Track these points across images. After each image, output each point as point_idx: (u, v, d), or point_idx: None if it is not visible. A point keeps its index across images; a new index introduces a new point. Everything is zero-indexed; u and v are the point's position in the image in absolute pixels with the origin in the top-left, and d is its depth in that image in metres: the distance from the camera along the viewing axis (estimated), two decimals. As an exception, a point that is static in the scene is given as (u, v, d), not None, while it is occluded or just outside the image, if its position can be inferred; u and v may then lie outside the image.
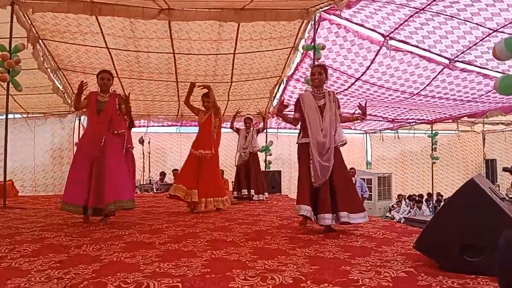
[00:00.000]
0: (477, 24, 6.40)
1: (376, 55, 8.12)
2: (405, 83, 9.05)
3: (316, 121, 3.99)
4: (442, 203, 12.55)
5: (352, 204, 3.83)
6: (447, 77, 8.42)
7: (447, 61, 7.92)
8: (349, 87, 9.55)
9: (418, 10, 6.49)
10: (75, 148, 10.99)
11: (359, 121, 4.58)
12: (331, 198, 3.81)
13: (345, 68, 8.84)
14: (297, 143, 4.24)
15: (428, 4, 6.26)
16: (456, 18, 6.45)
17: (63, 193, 4.59)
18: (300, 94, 4.38)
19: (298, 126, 4.33)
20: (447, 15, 6.44)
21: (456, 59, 7.70)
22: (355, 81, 9.20)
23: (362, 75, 8.90)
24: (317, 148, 3.92)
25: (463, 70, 8.06)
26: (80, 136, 10.40)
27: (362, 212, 3.86)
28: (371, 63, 8.39)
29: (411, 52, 7.92)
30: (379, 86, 9.32)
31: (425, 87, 9.00)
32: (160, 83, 9.97)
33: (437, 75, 8.38)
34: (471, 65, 7.82)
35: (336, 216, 3.79)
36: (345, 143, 4.19)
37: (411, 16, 6.74)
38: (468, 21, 6.45)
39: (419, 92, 9.32)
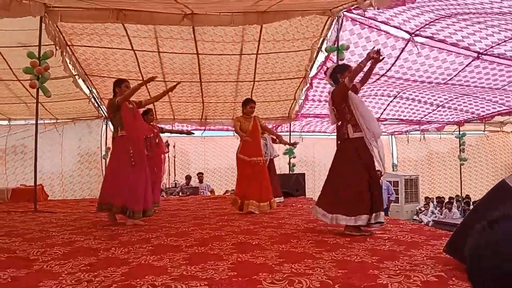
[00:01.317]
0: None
1: (401, 53, 7.99)
2: (431, 75, 8.89)
3: (370, 111, 3.98)
4: (471, 206, 12.26)
5: None
6: (475, 68, 8.28)
7: (475, 55, 7.75)
8: (374, 81, 9.35)
9: (445, 16, 6.39)
10: (103, 152, 11.26)
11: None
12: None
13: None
14: (349, 138, 3.92)
15: (456, 14, 6.15)
16: (483, 23, 6.32)
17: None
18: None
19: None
20: (474, 21, 6.32)
21: (485, 52, 7.52)
22: (380, 77, 9.03)
23: (387, 71, 8.75)
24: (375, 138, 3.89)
25: (492, 62, 7.88)
26: (108, 140, 10.66)
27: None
28: (396, 60, 8.25)
29: (438, 48, 7.76)
30: (405, 79, 9.16)
31: (453, 77, 8.80)
32: (184, 84, 10.10)
33: (465, 67, 8.22)
34: (501, 58, 7.62)
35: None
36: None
37: (437, 19, 6.63)
38: (495, 26, 6.31)
39: (446, 81, 9.09)
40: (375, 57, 3.78)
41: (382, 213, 3.81)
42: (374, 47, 4.17)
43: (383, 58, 3.93)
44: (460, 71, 8.43)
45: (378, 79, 9.21)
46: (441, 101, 10.77)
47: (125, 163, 4.65)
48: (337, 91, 4.02)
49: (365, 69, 3.97)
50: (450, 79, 8.91)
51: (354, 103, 3.93)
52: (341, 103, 3.96)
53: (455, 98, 10.06)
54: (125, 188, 4.60)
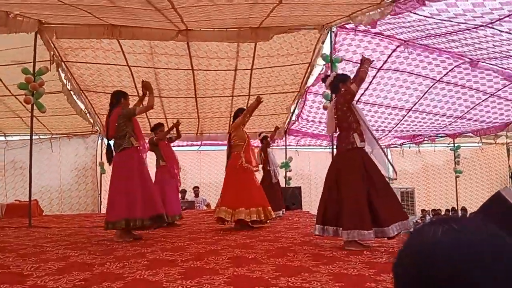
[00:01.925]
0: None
1: (392, 52, 7.98)
2: (423, 81, 8.89)
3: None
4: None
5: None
6: (473, 77, 8.31)
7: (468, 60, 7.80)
8: (365, 90, 9.37)
9: (438, 35, 6.48)
10: (98, 167, 11.22)
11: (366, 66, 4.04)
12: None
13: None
14: (352, 147, 3.91)
15: (449, 33, 6.23)
16: (483, 40, 6.40)
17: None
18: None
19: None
20: (467, 38, 6.40)
21: (480, 57, 7.57)
22: (372, 79, 9.00)
23: (377, 71, 8.69)
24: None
25: (486, 69, 7.93)
26: (103, 155, 10.63)
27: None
28: (386, 60, 8.23)
29: (431, 50, 7.80)
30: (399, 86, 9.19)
31: (443, 76, 8.66)
32: (179, 100, 10.12)
33: (455, 67, 8.18)
34: (494, 65, 7.67)
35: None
36: None
37: (429, 36, 6.72)
38: (490, 42, 6.38)
39: (436, 83, 8.98)
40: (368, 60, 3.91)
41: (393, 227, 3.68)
42: (363, 56, 4.20)
43: (372, 61, 4.06)
44: (449, 70, 8.36)
45: (370, 82, 9.18)
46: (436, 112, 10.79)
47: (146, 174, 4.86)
48: (343, 98, 4.01)
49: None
50: (439, 79, 8.87)
51: (359, 112, 3.97)
52: (346, 112, 3.95)
53: (450, 117, 10.11)
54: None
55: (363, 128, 3.92)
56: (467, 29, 5.90)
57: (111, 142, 4.95)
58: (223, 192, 5.83)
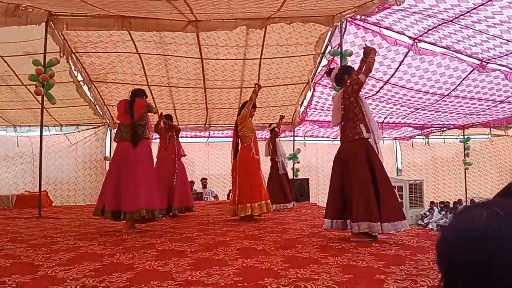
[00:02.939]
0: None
1: (404, 57, 8.00)
2: (435, 84, 8.89)
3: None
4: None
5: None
6: (478, 75, 8.25)
7: (478, 62, 7.74)
8: (377, 92, 9.42)
9: (446, 21, 6.39)
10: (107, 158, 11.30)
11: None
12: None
13: (373, 72, 8.73)
14: (359, 138, 3.87)
15: (456, 17, 6.14)
16: (485, 33, 6.33)
17: None
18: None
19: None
20: (475, 30, 6.32)
21: (488, 60, 7.51)
22: (384, 84, 9.06)
23: (390, 77, 8.76)
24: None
25: (494, 70, 7.85)
26: (114, 148, 10.74)
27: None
28: (400, 65, 8.26)
29: (441, 54, 7.76)
30: (408, 89, 9.16)
31: (456, 87, 8.79)
32: (189, 90, 10.11)
33: (469, 74, 8.20)
34: (503, 66, 7.60)
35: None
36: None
37: (440, 24, 6.63)
38: (497, 37, 6.31)
39: (449, 93, 9.11)
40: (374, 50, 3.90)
41: (391, 224, 3.60)
42: (367, 46, 4.14)
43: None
44: (463, 78, 8.41)
45: (381, 87, 9.23)
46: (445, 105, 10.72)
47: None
48: (351, 88, 3.97)
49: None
50: (453, 89, 8.92)
51: (364, 104, 3.94)
52: (353, 102, 3.93)
53: (458, 103, 10.04)
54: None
55: (367, 120, 3.89)
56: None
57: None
58: (241, 188, 5.66)
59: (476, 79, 8.40)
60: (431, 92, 9.25)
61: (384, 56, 8.18)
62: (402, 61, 8.14)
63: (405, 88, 9.18)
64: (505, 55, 7.04)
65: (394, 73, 8.63)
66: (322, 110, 11.03)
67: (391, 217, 3.60)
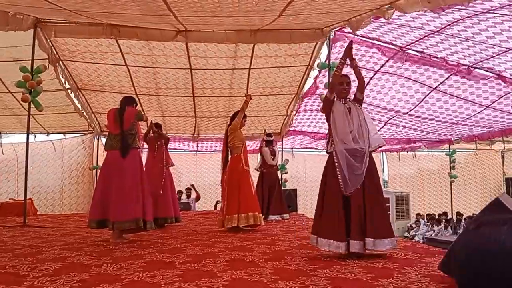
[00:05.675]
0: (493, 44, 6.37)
1: (387, 61, 8.01)
2: (420, 88, 8.91)
3: (345, 125, 3.59)
4: (462, 223, 12.31)
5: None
6: (462, 85, 8.31)
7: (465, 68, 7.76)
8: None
9: (433, 32, 6.50)
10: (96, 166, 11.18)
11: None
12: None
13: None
14: (327, 152, 3.76)
15: (442, 28, 6.26)
16: (471, 40, 6.45)
17: None
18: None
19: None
20: (462, 38, 6.44)
21: (474, 65, 7.57)
22: (370, 80, 8.90)
23: (373, 75, 8.70)
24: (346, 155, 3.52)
25: (482, 78, 7.93)
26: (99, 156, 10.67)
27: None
28: (381, 66, 8.28)
29: (427, 61, 7.79)
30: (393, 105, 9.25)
31: (437, 86, 8.67)
32: (177, 99, 10.11)
33: (448, 76, 8.19)
34: (490, 72, 7.67)
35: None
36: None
37: (427, 36, 6.74)
38: (483, 42, 6.43)
39: (431, 92, 8.98)
40: (348, 48, 3.73)
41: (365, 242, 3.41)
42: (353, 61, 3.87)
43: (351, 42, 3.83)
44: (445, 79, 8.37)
45: (368, 82, 9.13)
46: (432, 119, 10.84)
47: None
48: (322, 106, 3.96)
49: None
50: (432, 90, 8.91)
51: (333, 116, 3.70)
52: (327, 118, 3.78)
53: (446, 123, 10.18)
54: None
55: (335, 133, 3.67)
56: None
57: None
58: (229, 199, 5.64)
59: (459, 87, 8.46)
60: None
61: (370, 63, 8.24)
62: (385, 62, 8.14)
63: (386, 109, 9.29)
64: (487, 59, 7.13)
65: (373, 75, 8.65)
66: (308, 119, 11.12)
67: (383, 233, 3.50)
